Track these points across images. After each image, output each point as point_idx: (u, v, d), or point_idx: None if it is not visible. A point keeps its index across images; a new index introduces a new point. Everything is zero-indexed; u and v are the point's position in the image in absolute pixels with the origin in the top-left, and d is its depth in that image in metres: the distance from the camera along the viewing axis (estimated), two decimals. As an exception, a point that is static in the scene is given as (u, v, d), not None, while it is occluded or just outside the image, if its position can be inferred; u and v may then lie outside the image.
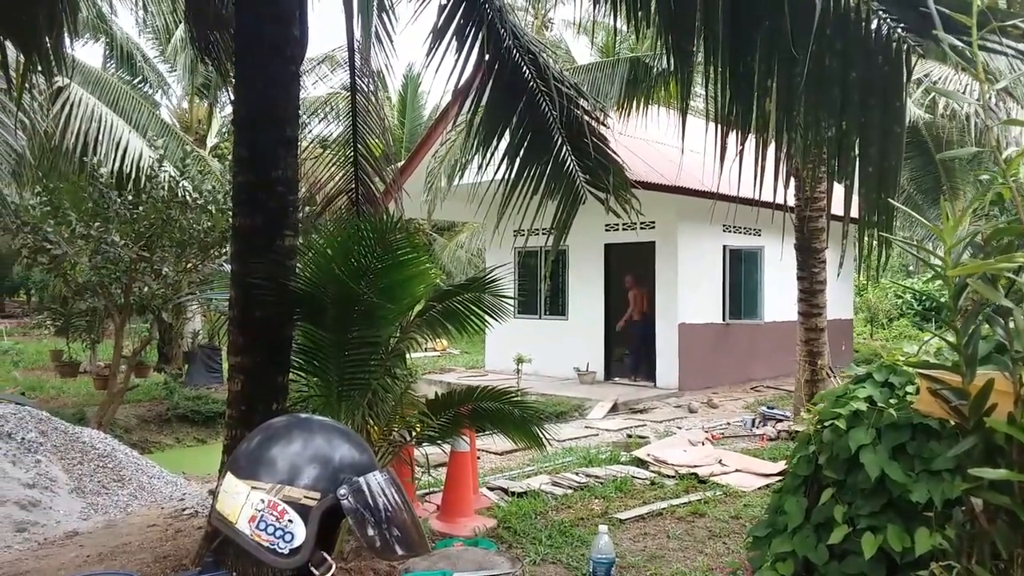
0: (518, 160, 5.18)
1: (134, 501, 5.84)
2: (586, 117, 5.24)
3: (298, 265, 4.35)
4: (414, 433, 5.01)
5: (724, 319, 13.03)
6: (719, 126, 3.31)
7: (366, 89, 5.64)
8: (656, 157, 11.42)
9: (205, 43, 5.15)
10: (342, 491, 1.27)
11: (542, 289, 13.83)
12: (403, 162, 12.71)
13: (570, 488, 6.36)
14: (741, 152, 3.19)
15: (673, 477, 6.75)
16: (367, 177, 5.54)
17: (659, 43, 3.89)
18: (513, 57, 4.99)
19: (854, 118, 3.03)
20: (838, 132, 3.06)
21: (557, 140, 5.20)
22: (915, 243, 3.34)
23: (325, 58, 12.64)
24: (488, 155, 5.17)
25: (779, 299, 12.87)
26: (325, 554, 1.29)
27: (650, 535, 5.26)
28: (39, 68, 4.70)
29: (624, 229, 12.36)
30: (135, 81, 16.34)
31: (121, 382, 9.24)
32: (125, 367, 9.55)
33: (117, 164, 8.88)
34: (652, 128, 10.38)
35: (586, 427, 9.69)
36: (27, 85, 5.36)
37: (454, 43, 4.76)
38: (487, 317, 5.25)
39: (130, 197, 8.31)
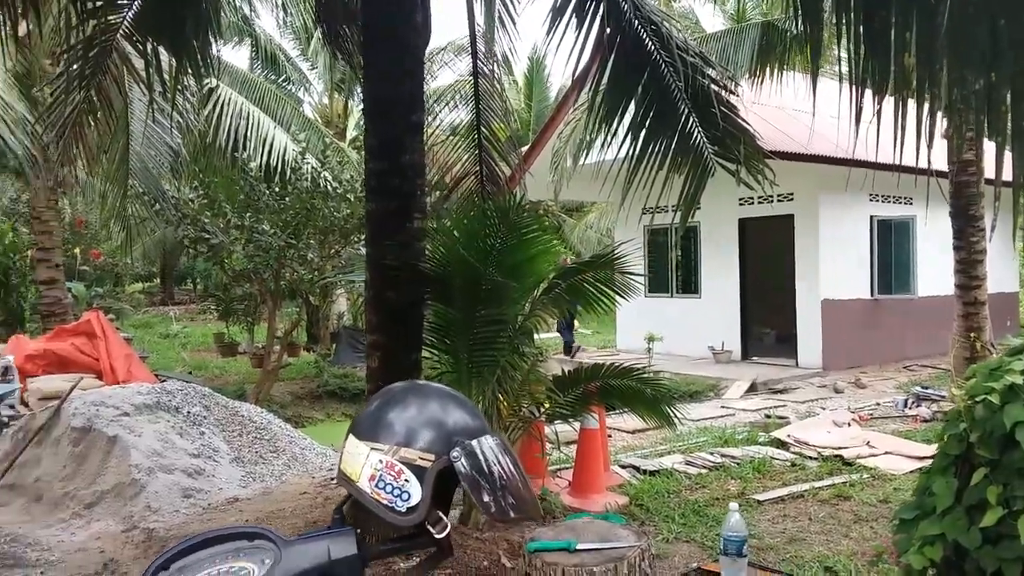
0: (642, 135, 5.08)
1: (288, 471, 6.25)
2: (713, 86, 5.06)
3: (427, 247, 4.49)
4: (543, 409, 5.08)
5: (872, 294, 12.28)
6: (853, 87, 3.10)
7: (489, 73, 5.72)
8: (793, 125, 10.87)
9: (335, 36, 5.40)
10: (455, 453, 1.32)
11: (673, 267, 13.55)
12: (529, 144, 12.79)
13: (704, 468, 6.24)
14: (878, 113, 2.98)
15: (816, 459, 6.47)
16: (491, 159, 5.63)
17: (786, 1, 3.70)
18: (635, 29, 4.89)
19: (1005, 69, 2.76)
20: (986, 85, 2.79)
21: (683, 111, 5.05)
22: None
23: (447, 45, 12.88)
24: (611, 131, 5.11)
25: (933, 271, 11.97)
26: (440, 513, 1.34)
27: (790, 517, 5.08)
28: (189, 70, 5.09)
29: (760, 202, 11.88)
30: (279, 80, 17.34)
31: (275, 361, 9.92)
32: (278, 347, 10.24)
33: (264, 158, 9.50)
34: (788, 95, 9.88)
35: (722, 407, 9.45)
36: (180, 87, 5.81)
37: (574, 20, 4.73)
38: (614, 295, 5.22)
39: (277, 189, 8.87)
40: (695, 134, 5.08)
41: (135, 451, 5.55)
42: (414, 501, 1.30)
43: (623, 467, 6.31)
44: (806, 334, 11.78)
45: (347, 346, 13.04)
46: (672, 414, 5.30)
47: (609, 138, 5.08)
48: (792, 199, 11.67)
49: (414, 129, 4.30)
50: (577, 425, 5.62)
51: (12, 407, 7.94)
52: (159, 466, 5.52)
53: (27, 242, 13.81)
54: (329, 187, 8.62)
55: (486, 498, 1.34)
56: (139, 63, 5.46)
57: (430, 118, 6.15)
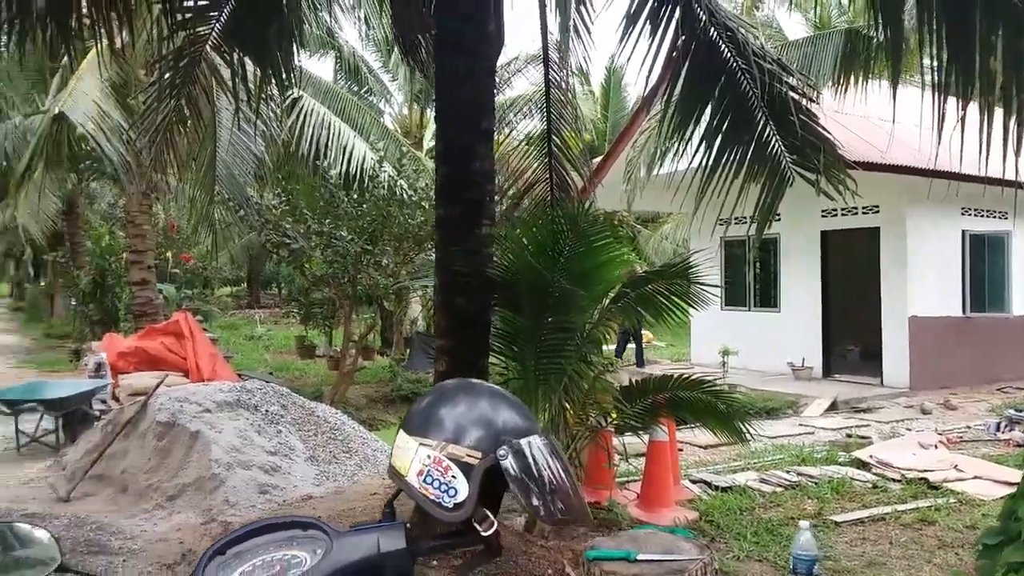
0: (717, 143, 4.98)
1: (360, 471, 6.37)
2: (792, 94, 4.93)
3: (495, 253, 4.52)
4: (610, 419, 5.03)
5: (964, 312, 11.68)
6: (936, 93, 2.96)
7: (561, 83, 5.73)
8: (878, 135, 10.46)
9: (410, 46, 5.51)
10: (501, 451, 1.32)
11: (751, 279, 13.22)
12: (604, 154, 12.73)
13: (780, 486, 6.05)
14: (962, 120, 2.83)
15: (899, 481, 6.19)
16: (561, 168, 5.63)
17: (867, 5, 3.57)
18: (709, 36, 4.81)
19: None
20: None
21: (760, 120, 4.93)
22: None
23: (519, 55, 12.95)
24: (685, 140, 5.03)
25: (1032, 289, 11.32)
26: (488, 512, 1.34)
27: (870, 540, 4.87)
28: (273, 81, 5.28)
29: (843, 214, 11.48)
30: (361, 91, 17.80)
31: (350, 364, 10.15)
32: (354, 351, 10.47)
33: (344, 166, 9.77)
34: (873, 104, 9.53)
35: (800, 425, 9.15)
36: (264, 97, 6.03)
37: (647, 28, 4.69)
38: (687, 306, 5.13)
39: (355, 196, 9.10)
40: (772, 143, 4.95)
41: (215, 447, 5.75)
42: (461, 497, 1.31)
43: (694, 482, 6.18)
44: (892, 352, 11.30)
45: (420, 351, 13.22)
46: (745, 430, 5.16)
47: (683, 147, 5.00)
48: (878, 211, 11.24)
49: (484, 136, 4.34)
50: (646, 437, 5.54)
51: (104, 402, 8.38)
52: (238, 462, 5.71)
53: (122, 245, 14.57)
54: (405, 195, 8.80)
55: (534, 501, 1.33)
56: (226, 73, 5.70)
57: (502, 126, 6.20)
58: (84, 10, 4.89)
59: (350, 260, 9.17)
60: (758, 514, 5.34)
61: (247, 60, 5.58)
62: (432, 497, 1.31)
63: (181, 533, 4.98)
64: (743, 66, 4.80)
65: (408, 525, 1.39)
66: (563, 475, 1.37)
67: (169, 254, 17.79)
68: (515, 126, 6.37)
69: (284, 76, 5.58)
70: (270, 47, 5.36)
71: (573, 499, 1.37)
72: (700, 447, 7.59)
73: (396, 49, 14.83)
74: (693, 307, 5.21)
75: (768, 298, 13.10)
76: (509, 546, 4.61)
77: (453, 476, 1.31)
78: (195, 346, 9.69)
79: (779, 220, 10.79)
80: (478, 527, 1.34)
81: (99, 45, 5.17)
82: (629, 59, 4.46)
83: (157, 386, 6.63)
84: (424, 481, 1.32)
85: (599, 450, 5.30)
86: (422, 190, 9.18)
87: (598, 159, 12.35)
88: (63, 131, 10.01)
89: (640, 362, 13.61)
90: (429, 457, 1.32)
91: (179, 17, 5.24)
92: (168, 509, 5.38)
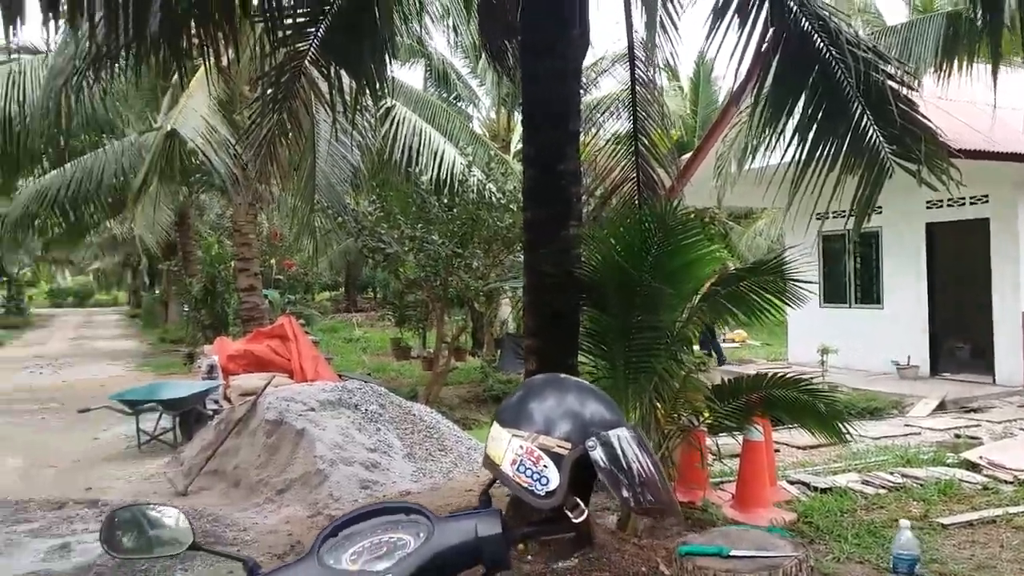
0: (811, 135, 4.87)
1: (455, 468, 6.54)
2: (889, 82, 4.77)
3: (583, 253, 4.57)
4: (702, 419, 5.00)
5: (1087, 305, 10.90)
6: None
7: (647, 81, 5.72)
8: (987, 121, 9.91)
9: (497, 52, 5.62)
10: (590, 443, 1.38)
11: (852, 275, 12.74)
12: (693, 150, 12.55)
13: (883, 488, 5.84)
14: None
15: (1012, 483, 5.88)
16: (648, 166, 5.62)
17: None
18: (800, 26, 4.72)
19: None
20: None
21: (855, 110, 4.80)
22: None
23: (605, 54, 12.91)
24: (777, 133, 4.94)
25: None
26: (578, 500, 1.40)
27: (979, 543, 4.67)
28: (367, 92, 5.50)
29: (950, 205, 10.92)
30: (450, 96, 18.14)
31: (443, 365, 10.39)
32: (446, 352, 10.71)
33: (435, 172, 10.02)
34: (980, 89, 9.03)
35: (906, 425, 8.77)
36: (360, 108, 6.27)
37: (736, 20, 4.64)
38: (782, 303, 5.04)
39: (445, 200, 9.32)
40: (869, 133, 4.80)
41: (320, 443, 6.03)
42: (552, 486, 1.37)
43: (792, 483, 6.05)
44: (1005, 349, 10.66)
45: (510, 352, 13.36)
46: (845, 430, 5.03)
47: (775, 141, 4.92)
48: (987, 201, 10.63)
49: (570, 138, 4.40)
50: (741, 438, 5.47)
51: (216, 402, 8.88)
52: (340, 458, 5.96)
53: (230, 254, 15.35)
54: (493, 198, 8.95)
55: (624, 492, 1.38)
56: (324, 86, 5.96)
57: (589, 126, 6.23)
58: (193, 31, 5.23)
59: (441, 263, 9.40)
60: (859, 516, 5.19)
61: (343, 73, 5.83)
62: (525, 485, 1.38)
63: (290, 525, 5.25)
64: (837, 56, 4.68)
65: (504, 513, 1.47)
66: (651, 466, 1.41)
67: (273, 261, 18.61)
68: (602, 126, 6.38)
69: (378, 87, 5.80)
70: (364, 60, 5.58)
71: (661, 490, 1.41)
72: (798, 448, 7.39)
73: (483, 55, 15.09)
74: (788, 304, 5.11)
75: (870, 294, 12.59)
76: (602, 543, 4.65)
77: (544, 465, 1.38)
78: (299, 348, 10.13)
79: (880, 213, 10.34)
80: (569, 514, 1.40)
81: (207, 64, 5.51)
82: (717, 53, 4.43)
83: (265, 387, 7.00)
84: (517, 470, 1.39)
85: (692, 450, 5.26)
86: (510, 193, 9.31)
87: (687, 155, 12.18)
88: (175, 147, 10.67)
89: (720, 359, 13.35)
90: (522, 448, 1.40)
91: (280, 34, 5.53)
92: (277, 503, 5.68)
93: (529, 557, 4.52)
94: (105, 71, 5.07)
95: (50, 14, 4.28)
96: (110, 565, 4.34)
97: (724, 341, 16.96)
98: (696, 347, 10.60)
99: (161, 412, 7.92)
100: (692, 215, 8.50)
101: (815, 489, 5.83)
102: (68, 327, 28.73)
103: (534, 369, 4.54)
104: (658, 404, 4.84)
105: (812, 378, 5.12)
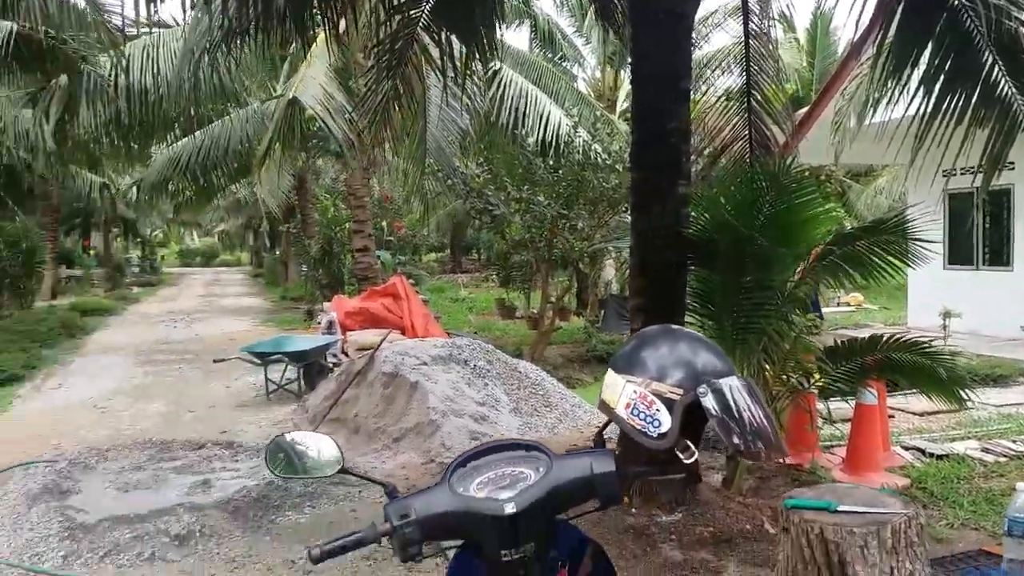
0: (937, 88, 4.64)
1: (559, 424, 6.72)
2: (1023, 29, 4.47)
3: (691, 212, 4.56)
4: (812, 380, 4.93)
5: None
6: None
7: (761, 33, 5.56)
8: None
9: (606, 10, 5.59)
10: (701, 389, 1.46)
11: (980, 235, 11.99)
12: (810, 105, 12.03)
13: (1004, 456, 5.61)
14: None
15: None
16: (760, 123, 5.49)
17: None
18: (926, -29, 4.47)
19: None
20: None
21: (986, 60, 4.52)
22: None
23: (718, 9, 12.49)
24: (901, 86, 4.73)
25: None
26: (689, 442, 1.49)
27: (1108, 517, 4.44)
28: (477, 56, 5.61)
29: (1096, 159, 10.08)
30: (556, 57, 18.03)
31: (548, 325, 10.57)
32: (551, 312, 10.87)
33: (541, 134, 10.08)
34: None
35: (1035, 394, 8.29)
36: (469, 72, 6.40)
37: (858, -34, 4.44)
38: (902, 264, 4.87)
39: (551, 162, 9.38)
40: (1001, 84, 4.52)
41: (432, 396, 6.32)
42: (664, 428, 1.47)
43: (906, 448, 5.88)
44: None
45: (614, 313, 13.38)
46: (966, 396, 4.85)
47: (897, 94, 4.71)
48: None
49: (681, 96, 4.37)
50: (853, 402, 5.36)
51: (335, 355, 9.41)
52: (451, 410, 6.24)
53: (345, 216, 16.00)
54: (599, 158, 8.94)
55: (735, 439, 1.46)
56: (435, 52, 6.13)
57: (700, 83, 6.14)
58: (314, 3, 5.49)
59: (546, 224, 9.50)
60: (977, 483, 5.02)
61: (453, 38, 5.97)
62: (639, 427, 1.49)
63: (406, 471, 5.57)
64: (966, 3, 4.42)
65: (617, 452, 1.58)
66: (762, 415, 1.48)
67: (384, 223, 19.24)
68: (713, 82, 6.26)
69: (487, 50, 5.90)
70: (474, 24, 5.69)
71: (771, 436, 1.48)
72: (915, 414, 7.15)
73: (591, 12, 14.89)
74: (908, 265, 4.93)
75: (1000, 255, 11.82)
76: (707, 500, 4.71)
77: (657, 409, 1.48)
78: (410, 306, 10.55)
79: (1012, 169, 9.70)
80: (680, 455, 1.49)
81: (327, 33, 5.77)
82: (836, 2, 4.25)
83: (381, 341, 7.37)
84: (631, 413, 1.50)
85: (801, 412, 5.21)
86: (616, 153, 9.27)
87: (803, 111, 11.71)
88: (295, 114, 11.18)
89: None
90: (635, 392, 1.50)
91: (394, 2, 5.72)
92: (393, 450, 6.03)
93: (633, 510, 4.63)
94: (235, 44, 5.41)
95: (187, -8, 4.62)
96: (246, 499, 4.76)
97: (839, 304, 16.38)
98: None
99: (287, 364, 8.46)
100: (807, 173, 8.23)
101: (931, 456, 5.66)
102: (197, 285, 30.74)
103: (639, 328, 4.61)
104: (767, 365, 4.81)
105: (931, 341, 4.92)
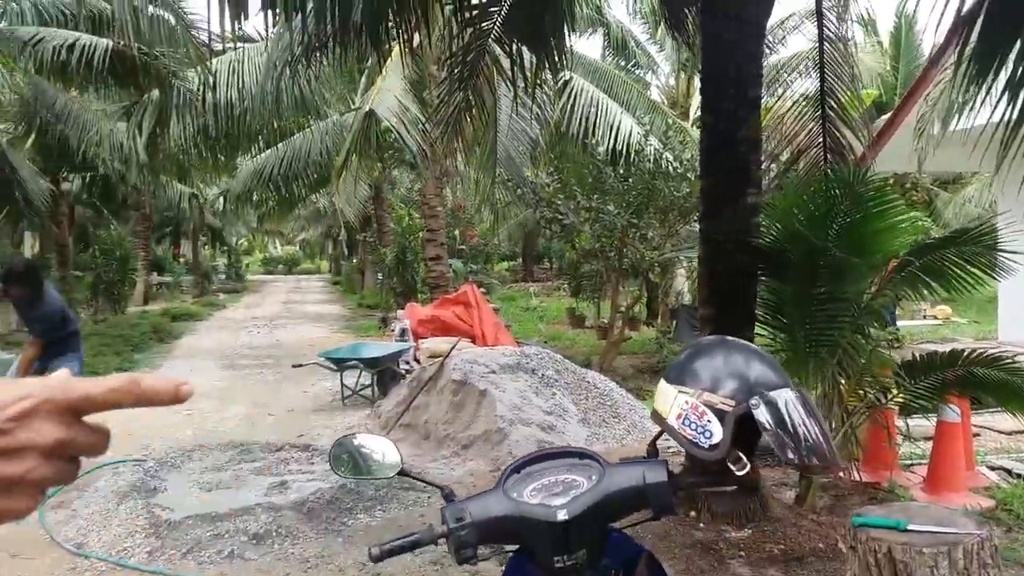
0: (1023, 93, 4.44)
1: (628, 435, 6.68)
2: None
3: (762, 221, 4.49)
4: (890, 396, 4.78)
5: None
6: None
7: (836, 38, 5.43)
8: None
9: (676, 19, 5.57)
10: (753, 401, 1.46)
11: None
12: (893, 111, 11.62)
13: (1103, 479, 5.29)
14: None
15: None
16: (836, 129, 5.36)
17: None
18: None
19: None
20: None
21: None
22: None
23: (791, 15, 12.20)
24: (985, 90, 4.55)
25: None
26: (741, 453, 1.49)
27: None
28: (546, 66, 5.66)
29: None
30: (628, 65, 17.96)
31: (617, 335, 10.51)
32: (620, 322, 10.81)
33: (611, 142, 10.07)
34: None
35: None
36: (539, 82, 6.46)
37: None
38: (985, 276, 4.67)
39: (620, 171, 9.35)
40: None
41: (500, 404, 6.38)
42: (715, 440, 1.47)
43: (992, 468, 5.62)
44: None
45: (686, 324, 13.18)
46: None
47: (981, 99, 4.53)
48: None
49: (750, 104, 4.32)
50: (935, 419, 5.16)
51: (407, 362, 9.58)
52: (518, 419, 6.29)
53: (419, 225, 16.30)
54: (670, 167, 8.87)
55: (789, 454, 1.44)
56: (506, 63, 6.21)
57: (773, 88, 6.03)
58: (390, 18, 5.65)
59: (616, 233, 9.47)
60: (1071, 507, 4.75)
61: (524, 49, 6.04)
62: (689, 437, 1.49)
63: (473, 478, 5.64)
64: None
65: (685, 464, 1.59)
66: (816, 428, 1.47)
67: (457, 232, 19.51)
68: (788, 87, 6.14)
69: (556, 60, 5.95)
70: (544, 34, 5.76)
71: (827, 451, 1.47)
72: (1003, 433, 6.80)
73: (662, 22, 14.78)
74: (993, 277, 4.73)
75: (1104, 267, 11.13)
76: (779, 517, 4.61)
77: (708, 420, 1.48)
78: (481, 315, 10.66)
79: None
80: (732, 467, 1.49)
81: (401, 47, 5.93)
82: (918, 4, 4.12)
83: (451, 349, 7.49)
84: (683, 423, 1.51)
85: (879, 429, 5.05)
86: (688, 161, 9.18)
87: (885, 116, 11.31)
88: (372, 125, 11.50)
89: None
90: (687, 403, 1.51)
91: (466, 15, 5.83)
92: (462, 456, 6.11)
93: (701, 525, 4.58)
94: (315, 58, 5.62)
95: (268, 9, 4.83)
96: (320, 501, 4.91)
97: (925, 318, 15.73)
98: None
99: (361, 370, 8.68)
100: (891, 181, 7.93)
101: (1018, 476, 5.39)
102: (279, 292, 31.77)
103: (708, 339, 4.55)
104: (841, 379, 4.68)
105: (1014, 357, 4.69)
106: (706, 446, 1.48)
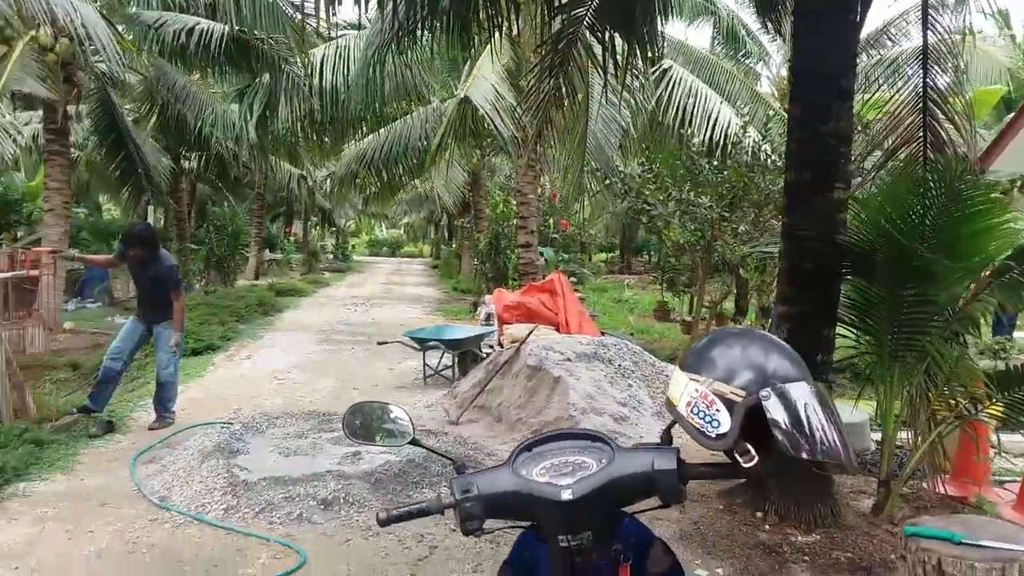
0: None
1: (704, 433, 6.54)
2: None
3: (849, 218, 4.29)
4: (983, 407, 4.48)
5: None
6: None
7: (946, 32, 5.10)
8: None
9: (768, 6, 5.37)
10: (764, 393, 1.42)
11: None
12: (1018, 108, 10.79)
13: None
14: None
15: None
16: (936, 123, 5.04)
17: None
18: None
19: None
20: None
21: None
22: None
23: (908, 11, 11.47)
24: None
25: None
26: (749, 446, 1.45)
27: None
28: (639, 54, 5.58)
29: None
30: (738, 55, 17.40)
31: (702, 330, 10.27)
32: (706, 317, 10.56)
33: (708, 133, 9.81)
34: None
35: None
36: (632, 70, 6.37)
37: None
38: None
39: (715, 162, 9.10)
40: None
41: (573, 392, 6.38)
42: (723, 429, 1.44)
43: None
44: None
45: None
46: None
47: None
48: None
49: (841, 95, 4.13)
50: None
51: (490, 346, 9.69)
52: (591, 408, 6.26)
53: (512, 212, 16.42)
54: (768, 160, 8.56)
55: (802, 443, 1.39)
56: (598, 51, 6.16)
57: (871, 81, 5.73)
58: (481, 3, 5.70)
59: (707, 227, 9.24)
60: None
61: (616, 36, 5.97)
62: (697, 425, 1.47)
63: (541, 463, 5.67)
64: None
65: (679, 448, 1.57)
66: (830, 424, 1.41)
67: (551, 220, 19.52)
68: (889, 79, 5.81)
69: (650, 47, 5.85)
70: (636, 21, 5.67)
71: (840, 450, 1.41)
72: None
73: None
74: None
75: None
76: (851, 526, 4.44)
77: (717, 410, 1.45)
78: (566, 303, 10.63)
79: None
80: (739, 459, 1.45)
81: (492, 33, 5.98)
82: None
83: (528, 335, 7.53)
84: (691, 411, 1.48)
85: (970, 441, 4.76)
86: (788, 155, 8.84)
87: (1011, 115, 10.53)
88: (467, 112, 11.64)
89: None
90: (696, 391, 1.48)
91: (558, 2, 5.82)
92: (532, 441, 6.14)
93: (767, 527, 4.45)
94: (405, 44, 5.75)
95: (363, -2, 4.97)
96: (388, 473, 5.06)
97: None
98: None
99: (443, 351, 8.85)
100: (1011, 182, 7.38)
101: None
102: (381, 273, 32.72)
103: (784, 338, 4.38)
104: (930, 388, 4.43)
105: None
106: (713, 435, 1.45)
